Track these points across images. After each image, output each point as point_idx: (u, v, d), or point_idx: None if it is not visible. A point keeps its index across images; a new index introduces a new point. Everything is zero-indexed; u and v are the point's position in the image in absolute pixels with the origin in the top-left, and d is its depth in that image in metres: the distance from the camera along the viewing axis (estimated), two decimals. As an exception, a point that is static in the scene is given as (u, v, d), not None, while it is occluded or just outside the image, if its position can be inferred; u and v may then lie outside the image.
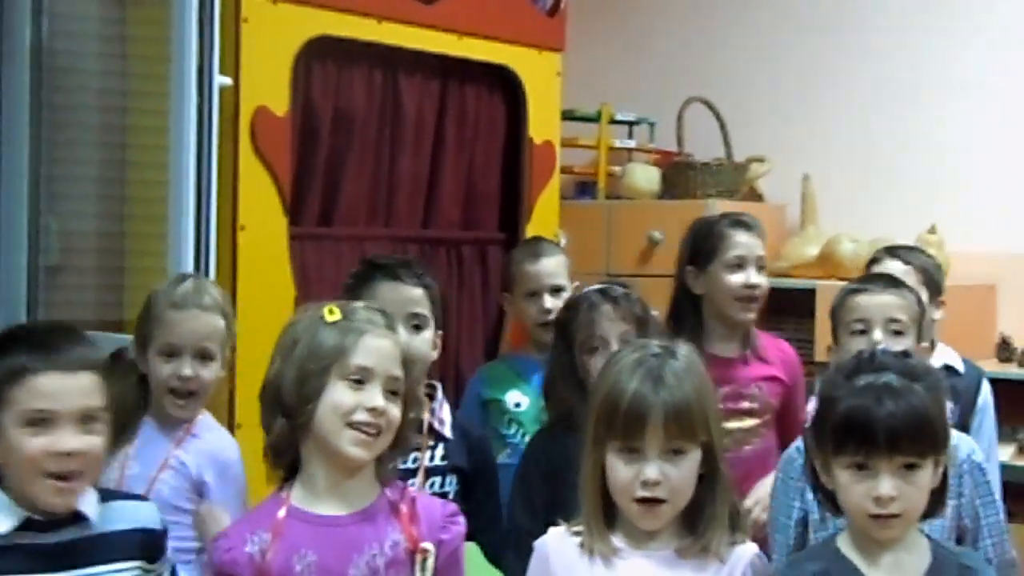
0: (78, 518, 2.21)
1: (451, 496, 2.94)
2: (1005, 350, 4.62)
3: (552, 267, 3.67)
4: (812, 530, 2.78)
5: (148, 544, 2.27)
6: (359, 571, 2.20)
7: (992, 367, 4.44)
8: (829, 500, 2.25)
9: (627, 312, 2.95)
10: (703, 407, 2.24)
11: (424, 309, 2.97)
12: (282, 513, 2.23)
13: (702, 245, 3.46)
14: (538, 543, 2.35)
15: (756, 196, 5.07)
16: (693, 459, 2.22)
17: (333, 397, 2.22)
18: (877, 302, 2.84)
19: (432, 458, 2.96)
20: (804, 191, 4.99)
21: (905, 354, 2.30)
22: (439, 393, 3.05)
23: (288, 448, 2.27)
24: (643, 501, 2.20)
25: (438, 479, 2.96)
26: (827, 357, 2.95)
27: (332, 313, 2.28)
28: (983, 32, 4.87)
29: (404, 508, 2.26)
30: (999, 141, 4.81)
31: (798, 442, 2.87)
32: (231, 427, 3.43)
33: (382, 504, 2.27)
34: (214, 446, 2.90)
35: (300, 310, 2.39)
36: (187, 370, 2.85)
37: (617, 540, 2.26)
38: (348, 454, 2.22)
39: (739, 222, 3.48)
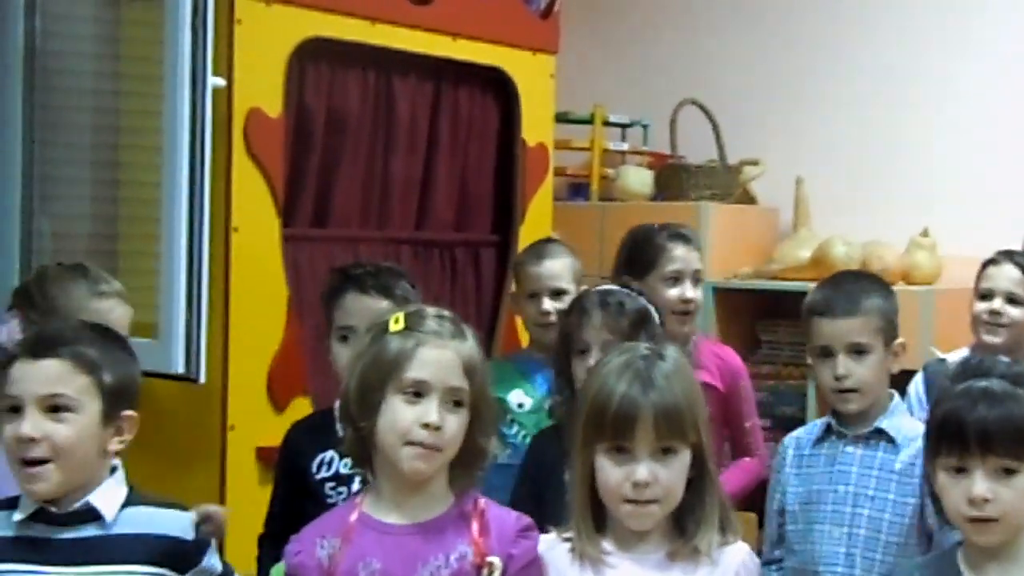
0: (94, 516, 2.21)
1: None
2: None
3: (555, 269, 3.64)
4: (786, 521, 2.85)
5: (172, 553, 2.25)
6: None
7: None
8: (939, 507, 2.26)
9: (615, 323, 2.93)
10: (692, 408, 2.24)
11: None
12: (353, 518, 2.22)
13: (639, 256, 3.49)
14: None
15: (749, 199, 5.08)
16: (683, 460, 2.22)
17: (390, 413, 2.19)
18: (837, 331, 2.82)
19: None
20: (797, 194, 4.99)
21: (1015, 361, 2.31)
22: None
23: (363, 459, 2.26)
24: (633, 502, 2.20)
25: None
26: (809, 361, 2.94)
27: (397, 322, 2.25)
28: (977, 37, 4.88)
29: (475, 520, 2.23)
30: (992, 145, 4.82)
31: (786, 439, 2.95)
32: (223, 428, 3.43)
33: (452, 515, 2.23)
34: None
35: (376, 321, 2.37)
36: None
37: (607, 544, 2.25)
38: (407, 470, 2.20)
39: (678, 235, 3.51)
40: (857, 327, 2.80)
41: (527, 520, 2.30)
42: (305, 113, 3.76)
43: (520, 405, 3.51)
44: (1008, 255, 3.72)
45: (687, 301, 3.43)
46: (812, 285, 4.41)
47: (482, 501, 2.29)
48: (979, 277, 3.72)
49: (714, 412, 3.37)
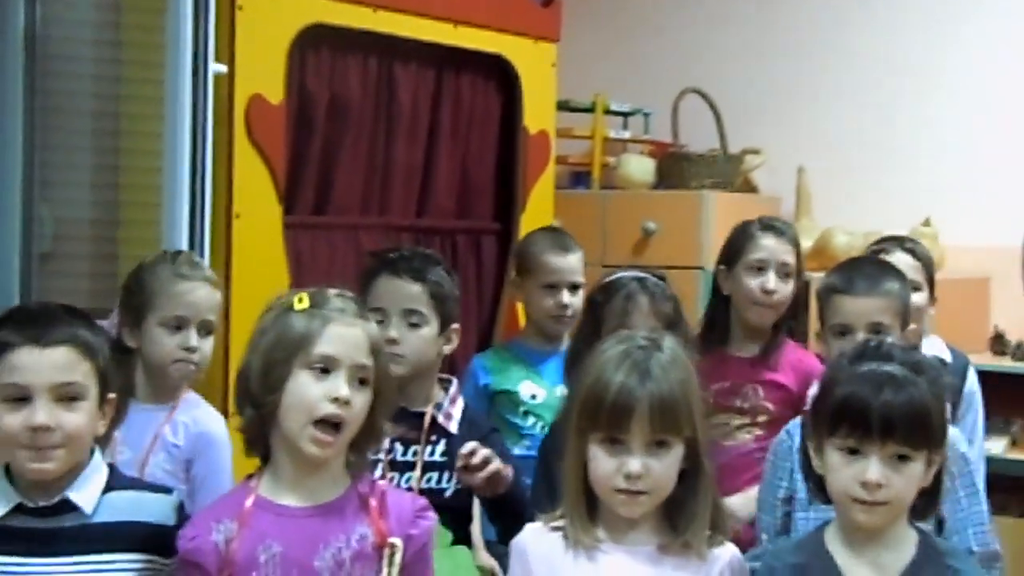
0: (71, 507, 2.20)
1: (448, 494, 2.90)
2: (999, 343, 4.63)
3: (575, 264, 3.65)
4: (797, 509, 2.81)
5: (155, 539, 2.24)
6: (324, 564, 2.18)
7: (985, 360, 4.45)
8: (817, 485, 2.26)
9: (660, 309, 2.94)
10: (688, 401, 2.23)
11: (422, 306, 2.92)
12: (249, 503, 2.20)
13: (732, 245, 3.49)
14: (514, 541, 2.33)
15: (751, 188, 5.08)
16: (676, 453, 2.21)
17: (297, 387, 2.19)
18: (858, 308, 2.83)
19: (432, 453, 2.91)
20: (799, 183, 4.99)
21: (914, 347, 2.31)
22: (453, 388, 3.01)
23: (258, 437, 2.25)
24: (624, 491, 2.20)
25: (435, 475, 2.91)
26: (816, 345, 2.95)
27: (301, 301, 2.26)
28: (978, 26, 4.87)
29: (373, 502, 2.24)
30: (993, 135, 4.82)
31: (789, 425, 2.93)
32: (225, 415, 3.42)
33: (351, 497, 2.24)
34: (202, 422, 2.91)
35: (274, 299, 2.36)
36: (194, 341, 2.85)
37: (599, 533, 2.25)
38: (307, 452, 2.20)
39: (770, 226, 3.49)
40: (878, 306, 2.81)
41: (423, 501, 2.32)
42: (307, 100, 3.75)
43: (533, 396, 3.51)
44: (897, 241, 3.62)
45: (768, 292, 3.40)
46: (814, 275, 4.45)
47: (381, 483, 2.31)
48: None
49: (784, 413, 3.36)
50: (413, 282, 2.91)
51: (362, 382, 2.23)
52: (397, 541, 2.22)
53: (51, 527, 2.19)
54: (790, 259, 3.45)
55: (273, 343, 2.22)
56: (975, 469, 2.81)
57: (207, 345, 2.89)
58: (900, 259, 3.51)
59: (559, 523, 2.27)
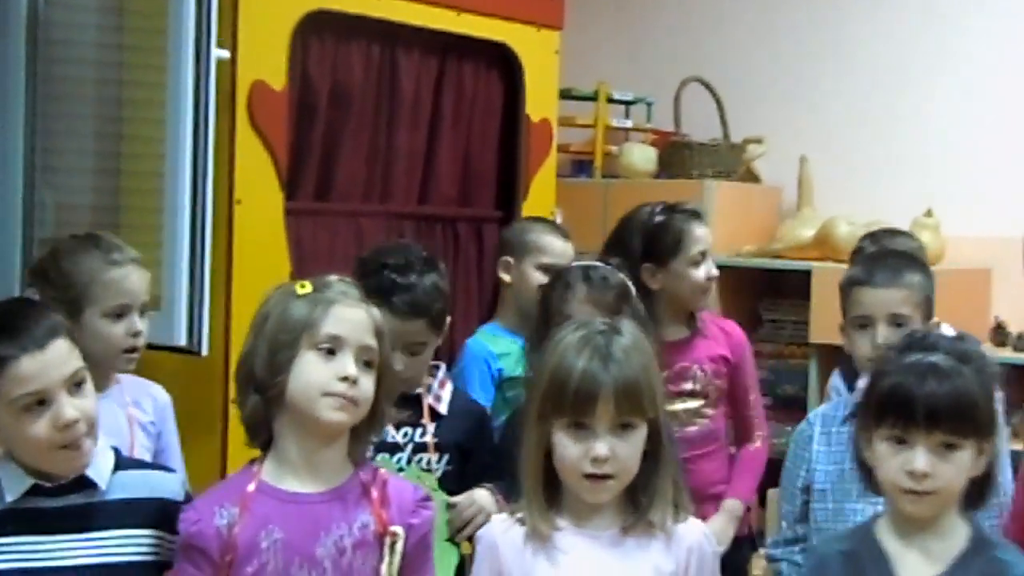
0: (86, 484, 2.21)
1: (438, 476, 2.94)
2: (1000, 334, 4.63)
3: (571, 251, 3.68)
4: (815, 499, 2.83)
5: (166, 514, 2.25)
6: (326, 550, 2.18)
7: (987, 351, 4.44)
8: (868, 477, 2.27)
9: (600, 298, 2.94)
10: (650, 383, 2.24)
11: (423, 337, 2.93)
12: (251, 488, 2.21)
13: (660, 243, 3.50)
14: (482, 532, 2.35)
15: (752, 177, 5.07)
16: (640, 435, 2.22)
17: (304, 368, 2.19)
18: (879, 300, 2.84)
19: (423, 434, 2.95)
20: (801, 173, 4.99)
21: (960, 337, 2.31)
22: (441, 372, 3.04)
23: (262, 424, 2.25)
24: (591, 476, 2.20)
25: (425, 456, 2.95)
26: (840, 337, 2.95)
27: (303, 287, 2.26)
28: (981, 16, 4.87)
29: (375, 490, 2.24)
30: (996, 125, 4.81)
31: (810, 414, 2.96)
32: (225, 402, 3.43)
33: (353, 485, 2.24)
34: (159, 395, 2.98)
35: (273, 287, 2.37)
36: (139, 325, 2.84)
37: (561, 520, 2.25)
38: (326, 420, 2.19)
39: (694, 214, 3.55)
40: (899, 298, 2.82)
41: (424, 491, 2.33)
42: (309, 86, 3.74)
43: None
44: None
45: (712, 278, 3.49)
46: (815, 264, 4.47)
47: (382, 471, 2.30)
48: None
49: (727, 387, 3.47)
50: (415, 319, 2.90)
51: (367, 364, 2.23)
52: (399, 530, 2.22)
53: (67, 505, 2.20)
54: (711, 240, 3.54)
55: (278, 326, 2.22)
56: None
57: (146, 325, 2.87)
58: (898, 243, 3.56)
59: (522, 514, 2.28)
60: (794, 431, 2.98)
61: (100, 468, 2.24)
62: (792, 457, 2.90)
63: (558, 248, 3.66)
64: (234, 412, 3.39)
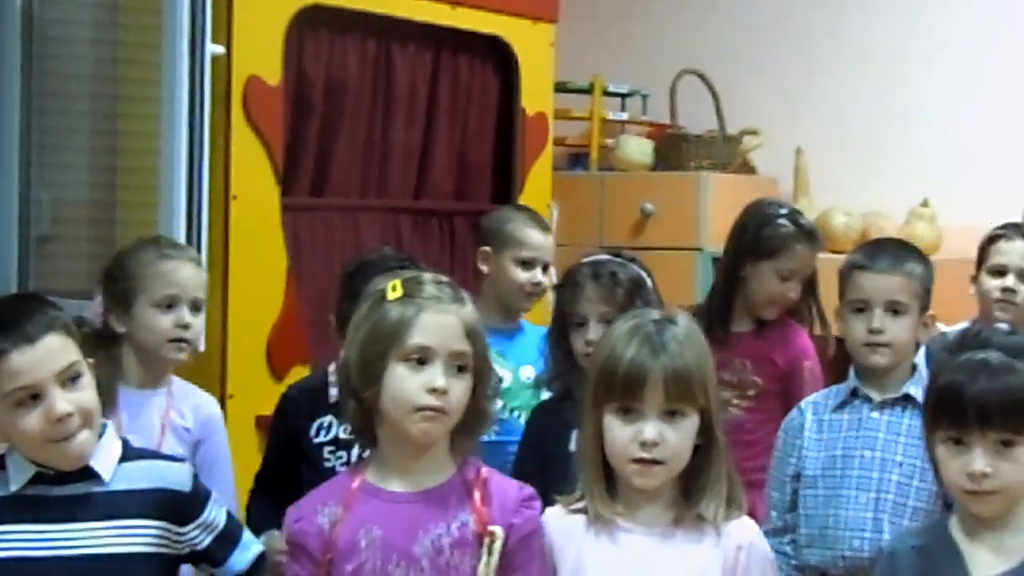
0: (90, 474, 2.21)
1: None
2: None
3: (551, 243, 3.65)
4: (805, 487, 2.83)
5: (172, 505, 2.25)
6: (424, 549, 2.16)
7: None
8: (939, 474, 2.25)
9: (609, 294, 2.93)
10: (702, 373, 2.23)
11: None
12: (355, 487, 2.20)
13: (765, 242, 3.50)
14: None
15: (749, 169, 5.07)
16: (691, 423, 2.21)
17: (394, 381, 2.17)
18: (877, 284, 2.83)
19: None
20: (797, 164, 4.99)
21: (1013, 332, 2.30)
22: None
23: (365, 427, 2.24)
24: (639, 461, 2.20)
25: None
26: (834, 320, 2.96)
27: (395, 290, 2.22)
28: (976, 6, 4.86)
29: (477, 489, 2.21)
30: (992, 116, 4.81)
31: (802, 403, 2.94)
32: (223, 397, 3.43)
33: (454, 484, 2.22)
34: (206, 406, 2.95)
35: (370, 289, 2.34)
36: (188, 317, 2.86)
37: (617, 507, 2.25)
38: (416, 435, 2.18)
39: (809, 234, 3.55)
40: (898, 285, 2.82)
41: (529, 490, 2.28)
42: (304, 81, 3.75)
43: (500, 380, 3.47)
44: (1018, 229, 3.68)
45: (788, 298, 3.51)
46: (812, 255, 4.45)
47: (485, 470, 2.27)
48: (988, 252, 3.67)
49: (772, 387, 3.48)
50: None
51: (460, 369, 2.20)
52: (498, 529, 2.18)
53: (70, 494, 2.20)
54: (813, 265, 3.53)
55: (368, 337, 2.20)
56: None
57: (199, 322, 2.90)
58: (1018, 247, 3.57)
59: (578, 504, 2.27)
60: (784, 420, 2.98)
61: (104, 458, 2.23)
62: (782, 446, 2.89)
63: (536, 241, 3.61)
64: (232, 407, 3.43)
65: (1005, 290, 3.55)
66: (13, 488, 2.19)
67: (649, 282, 2.97)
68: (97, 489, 2.21)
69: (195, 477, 2.32)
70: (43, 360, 2.15)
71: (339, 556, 2.16)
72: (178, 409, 2.90)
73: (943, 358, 2.23)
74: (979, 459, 2.12)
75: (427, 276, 2.28)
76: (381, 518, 2.17)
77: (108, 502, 2.21)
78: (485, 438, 3.26)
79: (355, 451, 2.82)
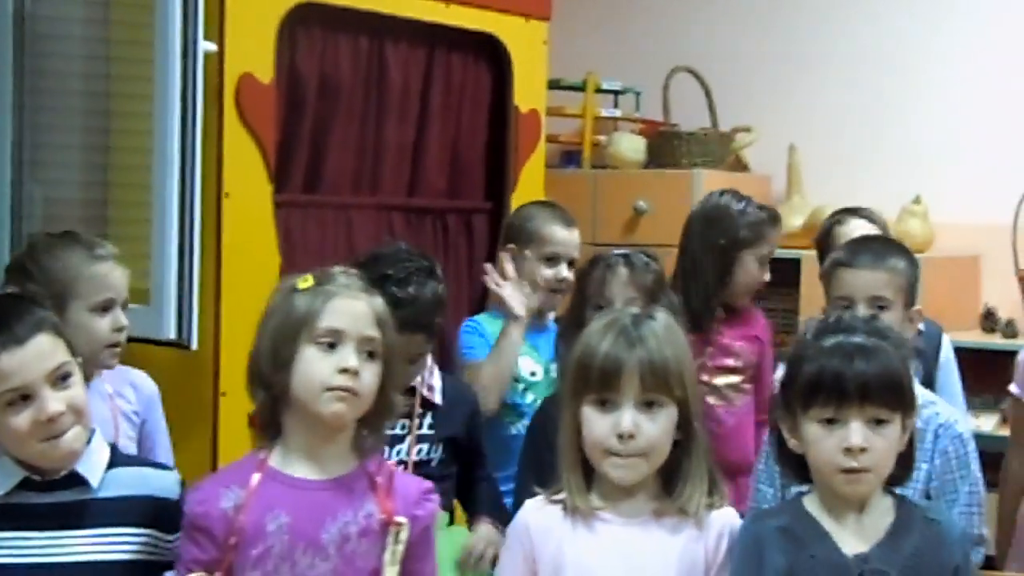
0: (79, 480, 2.21)
1: (434, 464, 2.96)
2: (989, 321, 4.64)
3: (576, 239, 3.65)
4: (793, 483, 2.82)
5: (160, 513, 2.25)
6: (331, 536, 2.19)
7: (976, 338, 4.46)
8: (792, 467, 2.29)
9: (640, 281, 2.96)
10: (679, 365, 2.25)
11: (424, 347, 2.96)
12: (258, 472, 2.21)
13: (745, 229, 3.59)
14: (514, 520, 2.35)
15: (742, 166, 5.08)
16: (668, 415, 2.23)
17: (305, 363, 2.19)
18: (861, 281, 2.84)
19: (420, 426, 2.97)
20: (790, 161, 5.00)
21: (873, 317, 2.34)
22: (428, 360, 3.04)
23: (271, 419, 2.25)
24: (618, 454, 2.21)
25: (425, 446, 2.97)
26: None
27: (305, 281, 2.26)
28: (969, 5, 4.87)
29: (381, 480, 2.25)
30: (983, 113, 4.82)
31: None
32: (215, 397, 3.43)
33: (360, 474, 2.25)
34: (144, 385, 2.98)
35: (281, 280, 2.37)
36: (124, 320, 2.84)
37: (595, 502, 2.26)
38: (328, 414, 2.19)
39: (772, 216, 3.71)
40: (881, 281, 2.83)
41: (428, 484, 2.34)
42: (297, 79, 3.74)
43: (532, 373, 3.49)
44: (856, 213, 3.75)
45: (766, 282, 3.65)
46: (804, 253, 4.47)
47: (388, 463, 2.32)
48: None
49: (760, 365, 3.61)
50: (417, 333, 2.89)
51: (370, 355, 2.23)
52: (403, 520, 2.23)
53: (57, 501, 2.20)
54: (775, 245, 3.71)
55: (279, 323, 2.23)
56: (970, 449, 2.81)
57: (126, 320, 2.88)
58: (859, 225, 3.59)
59: (558, 496, 2.29)
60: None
61: (93, 465, 2.23)
62: (767, 455, 2.86)
63: (561, 237, 3.62)
64: (224, 405, 3.43)
65: None
66: (0, 492, 2.18)
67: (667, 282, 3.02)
68: (86, 496, 2.21)
69: (182, 484, 2.32)
70: (33, 361, 2.15)
71: (245, 541, 2.17)
72: (122, 395, 2.90)
73: (806, 343, 2.26)
74: (856, 433, 2.16)
75: (338, 268, 2.32)
76: (288, 504, 2.19)
77: (97, 510, 2.21)
78: (513, 431, 3.33)
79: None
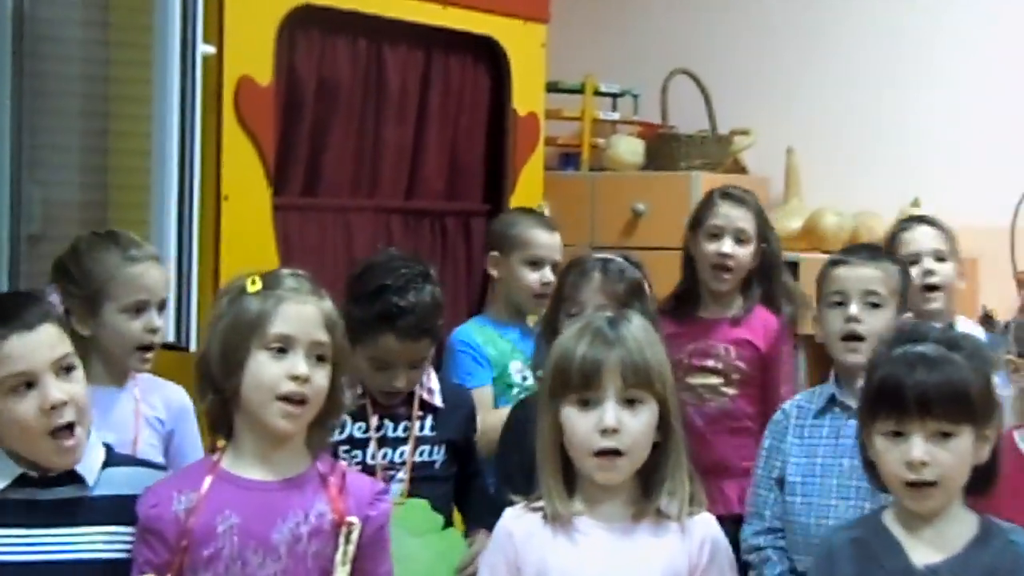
0: (75, 478, 2.22)
1: (437, 465, 2.98)
2: (987, 324, 4.64)
3: (559, 243, 3.70)
4: (787, 492, 2.85)
5: None
6: (282, 536, 2.20)
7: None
8: (873, 473, 2.27)
9: (612, 289, 2.95)
10: (659, 364, 2.26)
11: (426, 353, 2.97)
12: (210, 475, 2.23)
13: (696, 212, 3.63)
14: (497, 527, 2.36)
15: (740, 168, 5.08)
16: (650, 412, 2.24)
17: (256, 368, 2.21)
18: (855, 275, 2.86)
19: (421, 428, 2.98)
20: (788, 164, 5.00)
21: (950, 326, 2.32)
22: (427, 363, 3.05)
23: (221, 420, 2.27)
24: (601, 454, 2.21)
25: (427, 448, 2.99)
26: (812, 328, 2.97)
27: (254, 284, 2.27)
28: (966, 7, 4.87)
29: (333, 480, 2.26)
30: (982, 116, 4.82)
31: (786, 404, 2.98)
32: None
33: (311, 474, 2.26)
34: (176, 397, 2.96)
35: (228, 281, 2.38)
36: (158, 322, 2.85)
37: (575, 506, 2.27)
38: (276, 427, 2.21)
39: (727, 194, 3.61)
40: (876, 277, 2.84)
41: (381, 484, 2.37)
42: (295, 81, 3.74)
43: (524, 379, 3.50)
44: (922, 220, 3.73)
45: (723, 255, 3.53)
46: (803, 255, 4.47)
47: (341, 463, 2.34)
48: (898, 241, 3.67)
49: (754, 373, 3.53)
50: (420, 339, 2.91)
51: (320, 359, 2.25)
52: (355, 520, 2.24)
53: (53, 498, 2.21)
54: (746, 225, 3.55)
55: (229, 327, 2.24)
56: None
57: (162, 323, 2.90)
58: (923, 231, 3.59)
59: (538, 503, 2.29)
60: (770, 420, 2.99)
61: (89, 463, 2.24)
62: (768, 447, 2.92)
63: (543, 240, 3.67)
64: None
65: (926, 273, 3.55)
66: None
67: (648, 291, 3.00)
68: (82, 494, 2.22)
69: None
70: (40, 347, 2.17)
71: (195, 542, 2.19)
72: (148, 401, 2.90)
73: (880, 352, 2.26)
74: (918, 447, 2.14)
75: (285, 271, 2.34)
76: (238, 505, 2.21)
77: (93, 508, 2.22)
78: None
79: (370, 450, 2.90)
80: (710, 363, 3.54)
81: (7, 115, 3.69)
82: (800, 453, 2.85)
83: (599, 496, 2.26)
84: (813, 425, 2.86)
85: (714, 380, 3.54)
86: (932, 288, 3.54)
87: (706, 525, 2.29)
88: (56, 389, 2.16)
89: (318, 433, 2.29)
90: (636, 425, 2.22)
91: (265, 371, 2.20)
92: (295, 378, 2.20)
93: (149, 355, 2.87)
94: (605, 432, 2.20)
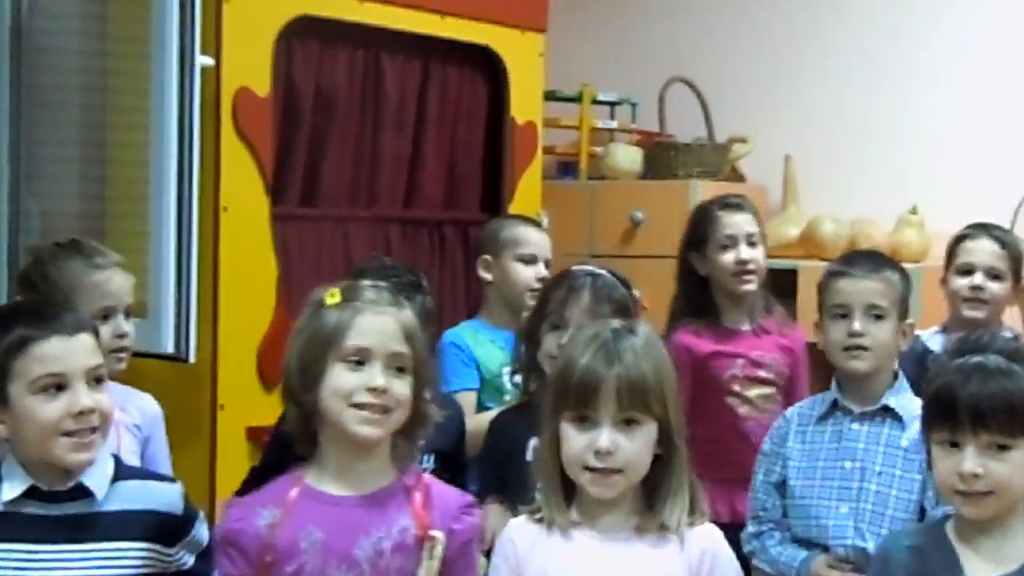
0: (84, 493, 2.21)
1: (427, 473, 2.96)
2: (985, 330, 4.64)
3: (548, 241, 3.71)
4: (785, 495, 2.87)
5: (162, 528, 2.25)
6: (364, 553, 2.18)
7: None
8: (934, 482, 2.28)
9: (598, 309, 2.95)
10: (660, 382, 2.24)
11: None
12: (295, 491, 2.21)
13: (698, 231, 3.58)
14: (501, 536, 2.35)
15: (738, 176, 5.08)
16: (647, 432, 2.22)
17: (333, 381, 2.19)
18: (857, 289, 2.85)
19: None
20: (786, 171, 5.00)
21: (1015, 337, 2.30)
22: None
23: (304, 435, 2.25)
24: (594, 470, 2.21)
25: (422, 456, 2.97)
26: (813, 335, 2.97)
27: (332, 296, 2.25)
28: (962, 13, 4.88)
29: (418, 494, 2.23)
30: (979, 123, 4.82)
31: (787, 411, 2.99)
32: (214, 408, 3.44)
33: (395, 488, 2.23)
34: (149, 404, 2.97)
35: (311, 293, 2.34)
36: (125, 327, 2.85)
37: (575, 518, 2.26)
38: (356, 434, 2.19)
39: (727, 204, 3.61)
40: (878, 289, 2.84)
41: (470, 497, 2.32)
42: (293, 92, 3.75)
43: (516, 385, 3.49)
44: (984, 228, 3.69)
45: (743, 262, 3.52)
46: (801, 263, 4.47)
47: (426, 476, 2.30)
48: (956, 251, 3.67)
49: (791, 377, 3.54)
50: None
51: (400, 370, 2.21)
52: (439, 534, 2.20)
53: (62, 514, 2.20)
54: (753, 228, 3.58)
55: (307, 341, 2.22)
56: None
57: (131, 327, 2.88)
58: (984, 246, 3.56)
59: (538, 514, 2.29)
60: (771, 426, 3.00)
61: (98, 477, 2.23)
62: (768, 452, 2.93)
63: (534, 238, 3.67)
64: (222, 418, 3.44)
65: (974, 288, 3.54)
66: (5, 498, 2.19)
67: (634, 309, 3.00)
68: (90, 510, 2.21)
69: (186, 498, 2.32)
70: (78, 352, 2.19)
71: (279, 558, 2.17)
72: (126, 410, 2.90)
73: (942, 361, 2.24)
74: (969, 459, 2.12)
75: (365, 282, 2.31)
76: (322, 521, 2.19)
77: (101, 524, 2.21)
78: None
79: None
80: (762, 373, 3.52)
81: (5, 126, 3.70)
82: (801, 456, 2.86)
83: (598, 509, 2.25)
84: (815, 430, 2.87)
85: (768, 390, 3.53)
86: (979, 301, 3.52)
87: (707, 535, 2.27)
88: (86, 396, 2.18)
89: (404, 445, 2.26)
90: (632, 447, 2.20)
91: (342, 383, 2.18)
92: (372, 390, 2.17)
93: (122, 355, 2.86)
94: (599, 453, 2.19)
